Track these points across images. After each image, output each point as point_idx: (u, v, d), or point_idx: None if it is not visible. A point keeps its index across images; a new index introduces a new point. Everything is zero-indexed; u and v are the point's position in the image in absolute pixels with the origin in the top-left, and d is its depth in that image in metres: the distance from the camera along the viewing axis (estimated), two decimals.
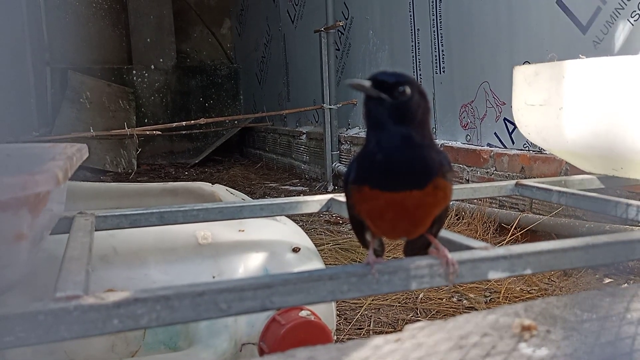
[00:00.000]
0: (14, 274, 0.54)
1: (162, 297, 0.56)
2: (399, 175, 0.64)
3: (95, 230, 0.88)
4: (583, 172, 1.34)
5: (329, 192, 3.51)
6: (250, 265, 1.05)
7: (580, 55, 1.22)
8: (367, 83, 0.62)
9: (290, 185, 3.99)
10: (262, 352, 0.98)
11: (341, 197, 1.08)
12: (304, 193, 3.65)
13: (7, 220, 0.49)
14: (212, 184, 1.63)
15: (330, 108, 3.76)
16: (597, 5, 1.89)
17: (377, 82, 0.62)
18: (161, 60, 6.14)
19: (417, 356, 0.57)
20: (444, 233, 0.79)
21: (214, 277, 1.03)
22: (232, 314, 0.60)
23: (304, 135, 4.44)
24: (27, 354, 0.91)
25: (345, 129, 3.84)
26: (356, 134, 3.67)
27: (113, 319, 0.53)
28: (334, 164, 3.76)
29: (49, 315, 0.50)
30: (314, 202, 1.11)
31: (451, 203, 0.73)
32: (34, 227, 0.55)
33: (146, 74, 6.09)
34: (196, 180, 3.15)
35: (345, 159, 3.73)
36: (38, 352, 0.92)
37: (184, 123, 4.73)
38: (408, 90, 0.63)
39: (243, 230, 1.09)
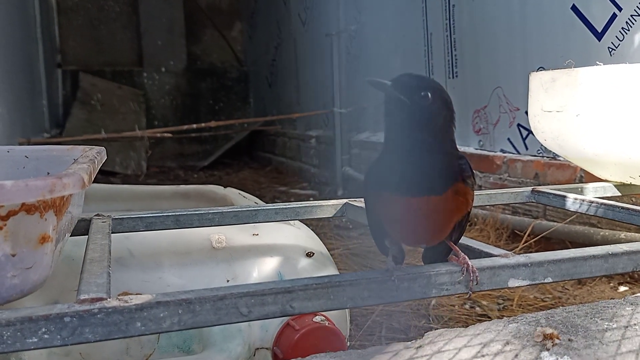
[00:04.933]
0: (39, 276, 0.55)
1: (184, 301, 0.56)
2: (417, 180, 0.63)
3: (112, 233, 0.89)
4: (599, 180, 1.33)
5: (339, 197, 3.50)
6: (264, 269, 1.05)
7: (597, 62, 1.22)
8: (388, 83, 0.61)
9: (300, 189, 3.99)
10: (276, 357, 0.98)
11: (356, 202, 1.08)
12: (314, 197, 3.64)
13: (33, 223, 0.49)
14: (224, 187, 1.63)
15: (340, 112, 3.76)
16: (613, 11, 1.88)
17: (399, 83, 0.62)
18: (172, 62, 6.17)
19: None
20: (462, 239, 0.78)
21: (228, 281, 1.03)
22: (252, 318, 0.60)
23: (314, 139, 4.44)
24: (43, 355, 0.91)
25: (355, 133, 3.84)
26: (367, 138, 3.67)
27: (136, 321, 0.53)
28: (343, 168, 3.76)
29: (75, 317, 0.50)
30: (329, 207, 1.11)
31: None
32: (57, 229, 0.55)
33: (156, 76, 6.12)
34: (205, 183, 3.15)
35: (356, 163, 3.72)
36: (54, 354, 0.93)
37: (194, 126, 4.75)
38: (430, 95, 0.62)
39: (257, 234, 1.09)
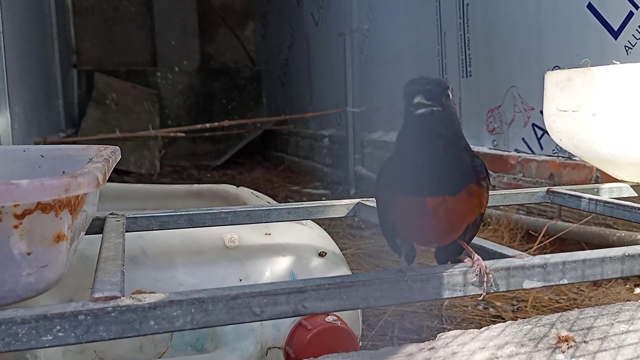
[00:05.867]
0: (54, 274, 0.55)
1: (197, 300, 0.56)
2: (433, 180, 0.63)
3: (126, 232, 0.89)
4: (615, 180, 1.31)
5: (352, 196, 3.49)
6: (276, 269, 1.05)
7: (613, 61, 1.20)
8: (422, 99, 0.61)
9: (312, 189, 3.99)
10: (288, 357, 0.98)
11: (369, 202, 1.07)
12: (326, 196, 3.64)
13: (49, 221, 0.50)
14: (237, 186, 1.64)
15: (353, 111, 3.75)
16: (629, 10, 1.85)
17: (425, 93, 0.62)
18: (185, 62, 6.20)
19: None
20: (476, 240, 0.78)
21: (240, 280, 1.03)
22: (265, 318, 0.60)
23: (326, 139, 4.44)
24: (58, 352, 0.92)
25: (368, 133, 3.83)
26: (379, 137, 3.66)
27: (149, 320, 0.53)
28: (356, 168, 3.75)
29: (89, 315, 0.50)
30: (341, 206, 1.11)
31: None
32: (72, 228, 0.55)
33: (170, 76, 6.16)
34: (219, 182, 3.16)
35: (368, 162, 3.72)
36: (69, 351, 0.94)
37: (207, 125, 4.77)
38: (450, 94, 0.62)
39: (269, 234, 1.09)
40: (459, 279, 0.66)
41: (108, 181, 1.17)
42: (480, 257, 0.68)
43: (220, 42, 6.47)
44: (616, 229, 1.75)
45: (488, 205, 0.72)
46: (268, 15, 6.09)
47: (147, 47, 6.19)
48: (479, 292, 0.67)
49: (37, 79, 3.99)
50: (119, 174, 4.57)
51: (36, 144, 3.35)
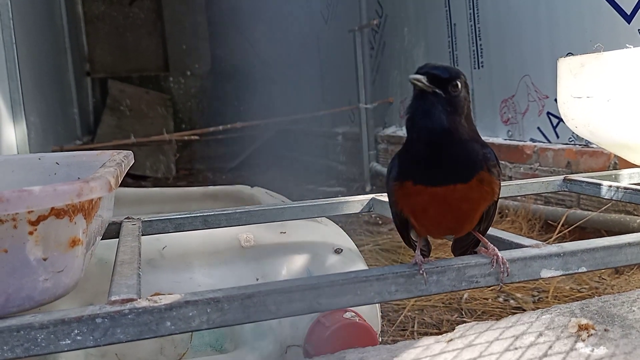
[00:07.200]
0: (70, 279, 0.56)
1: (212, 300, 0.57)
2: (443, 169, 0.63)
3: (142, 235, 0.90)
4: (633, 166, 1.29)
5: (367, 193, 3.48)
6: (292, 267, 1.05)
7: (627, 45, 1.18)
8: (422, 78, 0.61)
9: (327, 187, 3.99)
10: (307, 354, 0.98)
11: (383, 197, 1.07)
12: (342, 194, 3.64)
13: (63, 226, 0.51)
14: (251, 186, 1.64)
15: (366, 107, 3.74)
16: None
17: (430, 76, 0.61)
18: (196, 66, 6.24)
19: (470, 357, 0.56)
20: (492, 231, 0.77)
21: (257, 279, 1.03)
22: (280, 316, 0.60)
23: (340, 136, 4.43)
24: (80, 356, 0.94)
25: (381, 128, 3.82)
26: (393, 132, 3.64)
27: (166, 321, 0.54)
28: (371, 164, 3.74)
29: (106, 318, 0.51)
30: (355, 203, 1.10)
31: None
32: (87, 232, 0.56)
33: (182, 80, 6.20)
34: (234, 184, 3.17)
35: (383, 158, 3.71)
36: (90, 355, 0.95)
37: (220, 127, 4.79)
38: (460, 85, 0.62)
39: (285, 232, 1.09)
40: (475, 271, 0.66)
41: (124, 186, 1.18)
42: (496, 248, 0.68)
43: (231, 44, 6.50)
44: (637, 215, 1.72)
45: (505, 196, 0.72)
46: (277, 15, 6.10)
47: (159, 53, 6.24)
48: (496, 283, 0.66)
49: (52, 88, 4.04)
50: (135, 179, 4.62)
51: (53, 152, 3.39)
